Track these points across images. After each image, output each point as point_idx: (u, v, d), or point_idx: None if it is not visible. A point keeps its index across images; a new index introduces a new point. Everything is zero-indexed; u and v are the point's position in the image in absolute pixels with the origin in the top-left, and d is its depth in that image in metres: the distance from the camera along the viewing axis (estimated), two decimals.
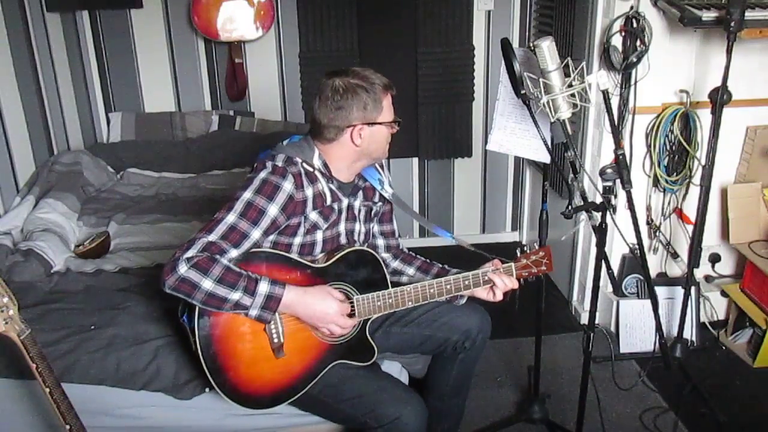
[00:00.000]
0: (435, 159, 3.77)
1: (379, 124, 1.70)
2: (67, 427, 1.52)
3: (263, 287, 1.59)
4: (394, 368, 2.01)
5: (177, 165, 3.24)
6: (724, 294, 2.89)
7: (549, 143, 1.83)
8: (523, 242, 3.97)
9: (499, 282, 1.77)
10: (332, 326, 1.68)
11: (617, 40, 2.55)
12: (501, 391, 2.57)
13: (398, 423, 1.65)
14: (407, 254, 2.02)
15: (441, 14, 3.44)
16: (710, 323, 2.90)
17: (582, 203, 1.72)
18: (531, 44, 1.63)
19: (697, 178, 2.71)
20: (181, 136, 3.41)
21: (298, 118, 3.60)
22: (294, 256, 1.70)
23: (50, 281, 2.18)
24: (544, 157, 1.99)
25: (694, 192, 2.70)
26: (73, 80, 3.24)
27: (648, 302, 2.79)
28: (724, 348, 2.82)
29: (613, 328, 2.88)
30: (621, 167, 1.68)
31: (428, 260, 1.99)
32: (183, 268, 1.52)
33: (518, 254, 1.80)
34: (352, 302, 1.73)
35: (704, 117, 2.61)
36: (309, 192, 1.68)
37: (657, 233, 2.89)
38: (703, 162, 2.46)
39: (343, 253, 1.74)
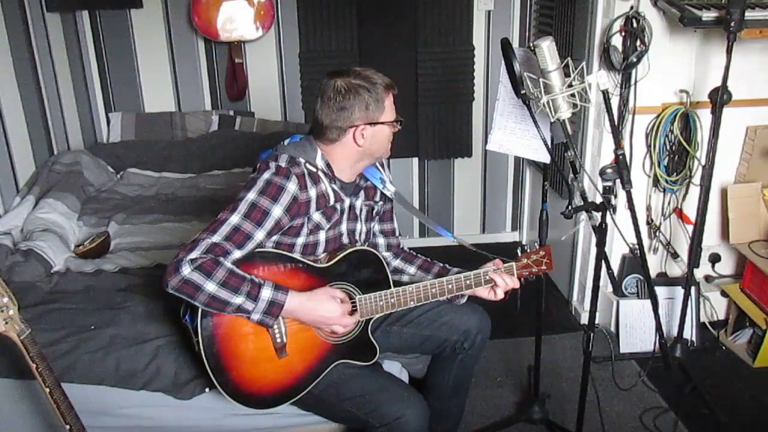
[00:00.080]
0: (435, 159, 3.77)
1: (382, 123, 1.70)
2: (67, 427, 1.52)
3: (266, 293, 1.58)
4: (394, 368, 2.01)
5: (177, 165, 3.24)
6: (724, 294, 2.89)
7: (549, 143, 1.83)
8: (524, 242, 3.97)
9: (500, 281, 1.77)
10: (335, 326, 1.69)
11: (617, 40, 2.55)
12: (501, 391, 2.56)
13: (400, 422, 1.65)
14: (408, 253, 2.02)
15: (441, 14, 3.44)
16: (710, 323, 2.90)
17: (582, 203, 1.72)
18: (531, 44, 1.64)
19: (697, 178, 2.71)
20: (181, 136, 3.41)
21: (298, 118, 3.59)
22: (297, 255, 1.70)
23: (50, 281, 2.18)
24: (544, 157, 1.99)
25: (694, 192, 2.70)
26: (73, 80, 3.24)
27: (648, 302, 2.79)
28: (724, 348, 2.82)
29: (613, 328, 2.88)
30: (621, 167, 1.68)
31: (429, 259, 1.99)
32: (187, 270, 1.51)
33: (519, 254, 1.81)
34: (354, 302, 1.73)
35: (704, 117, 2.61)
36: (312, 193, 1.67)
37: (657, 233, 2.89)
38: (703, 162, 2.46)
39: (345, 252, 1.74)
